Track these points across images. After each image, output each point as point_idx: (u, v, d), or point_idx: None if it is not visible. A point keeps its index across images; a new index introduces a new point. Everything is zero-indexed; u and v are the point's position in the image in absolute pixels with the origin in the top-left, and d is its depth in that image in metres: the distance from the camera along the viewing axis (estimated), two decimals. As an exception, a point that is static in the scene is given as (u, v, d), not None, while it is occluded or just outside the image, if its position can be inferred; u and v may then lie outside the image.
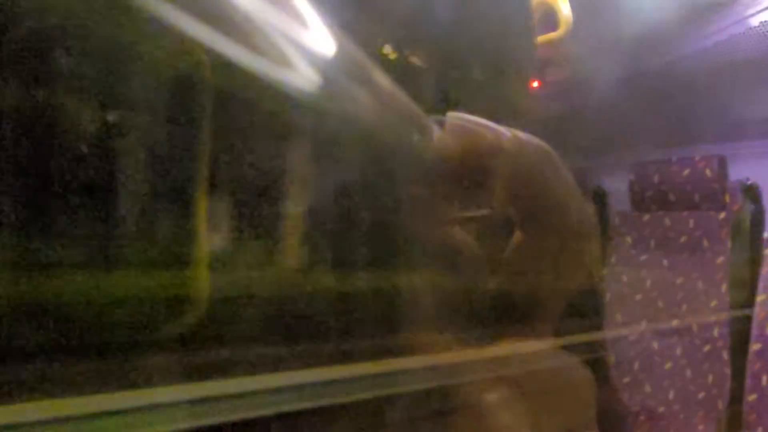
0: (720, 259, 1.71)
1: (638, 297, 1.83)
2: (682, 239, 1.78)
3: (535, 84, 1.97)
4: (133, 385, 0.19)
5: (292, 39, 0.23)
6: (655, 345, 1.78)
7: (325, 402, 0.22)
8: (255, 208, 0.22)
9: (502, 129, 0.26)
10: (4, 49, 0.18)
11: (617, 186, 1.96)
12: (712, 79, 1.85)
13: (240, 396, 0.20)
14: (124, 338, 0.20)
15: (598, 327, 1.71)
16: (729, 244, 1.71)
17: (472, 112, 0.27)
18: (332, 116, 0.24)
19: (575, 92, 1.92)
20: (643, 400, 1.72)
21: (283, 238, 0.23)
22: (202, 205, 0.20)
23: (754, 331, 1.62)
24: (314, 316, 0.24)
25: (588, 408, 0.26)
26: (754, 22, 1.64)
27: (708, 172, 1.72)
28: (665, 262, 1.80)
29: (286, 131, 0.24)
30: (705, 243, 1.73)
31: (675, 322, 1.75)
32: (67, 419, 0.17)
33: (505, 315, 0.26)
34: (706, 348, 1.68)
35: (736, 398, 1.61)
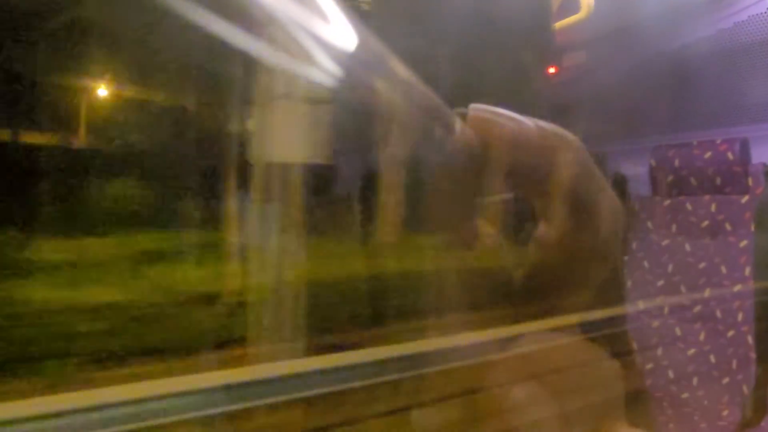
0: (743, 243, 1.69)
1: (660, 282, 1.81)
2: (704, 223, 1.76)
3: (554, 69, 1.96)
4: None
5: (316, 34, 0.24)
6: (678, 330, 1.76)
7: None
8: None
9: (525, 120, 0.26)
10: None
11: (637, 170, 1.94)
12: (733, 61, 1.83)
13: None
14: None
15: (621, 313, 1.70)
16: (752, 227, 1.69)
17: (492, 100, 0.27)
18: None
19: (595, 76, 1.90)
20: (666, 386, 1.71)
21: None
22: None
23: (779, 315, 1.60)
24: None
25: (616, 399, 0.26)
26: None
27: (730, 155, 1.70)
28: (687, 246, 1.79)
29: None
30: (727, 227, 1.72)
31: (698, 308, 1.74)
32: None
33: (531, 305, 0.26)
34: (730, 333, 1.66)
35: (761, 383, 1.59)
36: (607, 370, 0.26)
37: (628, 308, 1.79)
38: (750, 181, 1.70)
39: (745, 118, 1.92)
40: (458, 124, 0.26)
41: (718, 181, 1.73)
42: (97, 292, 1.09)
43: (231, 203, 1.13)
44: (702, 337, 1.72)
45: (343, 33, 0.25)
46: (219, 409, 0.23)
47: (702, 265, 1.75)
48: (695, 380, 1.69)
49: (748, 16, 1.71)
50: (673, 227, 1.82)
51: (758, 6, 1.74)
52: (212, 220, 1.17)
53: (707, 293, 1.72)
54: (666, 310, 1.79)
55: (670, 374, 1.72)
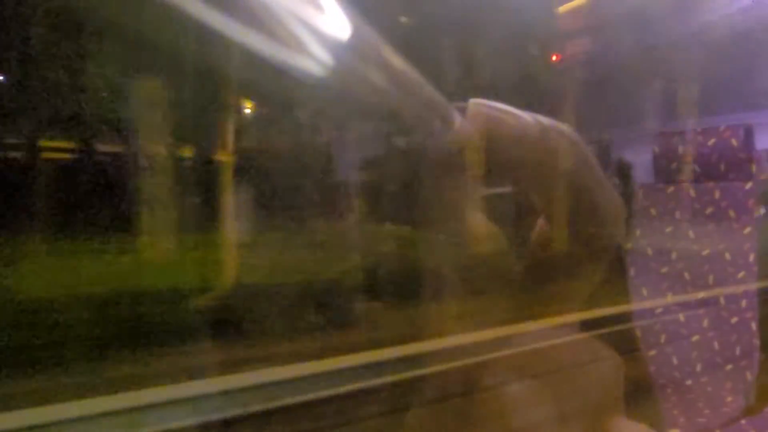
0: (747, 230, 1.69)
1: (664, 270, 1.81)
2: (708, 210, 1.75)
3: (557, 57, 1.95)
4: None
5: (312, 25, 0.24)
6: (682, 317, 1.76)
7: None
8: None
9: (525, 115, 0.26)
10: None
11: (641, 158, 1.94)
12: (738, 47, 1.82)
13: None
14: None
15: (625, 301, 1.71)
16: (756, 214, 1.69)
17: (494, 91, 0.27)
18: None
19: (598, 63, 1.89)
20: (670, 373, 1.71)
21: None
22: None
23: (783, 302, 1.60)
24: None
25: (615, 390, 0.27)
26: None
27: (734, 141, 1.69)
28: (691, 233, 1.78)
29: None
30: (731, 213, 1.71)
31: (702, 294, 1.74)
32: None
33: (530, 298, 0.26)
34: (734, 319, 1.66)
35: (765, 369, 1.59)
36: (607, 366, 0.27)
37: (632, 296, 1.79)
38: (754, 168, 1.70)
39: (751, 105, 1.92)
40: (457, 118, 0.26)
41: (722, 167, 1.72)
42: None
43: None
44: (706, 323, 1.72)
45: (338, 22, 0.25)
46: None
47: (706, 251, 1.75)
48: (699, 367, 1.69)
49: (753, 1, 1.70)
50: (677, 214, 1.82)
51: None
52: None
53: (711, 280, 1.72)
54: (670, 297, 1.79)
55: (674, 361, 1.73)
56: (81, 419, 0.84)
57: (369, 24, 0.26)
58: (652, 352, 1.75)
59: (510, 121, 0.26)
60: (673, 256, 1.80)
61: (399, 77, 0.26)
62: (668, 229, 1.83)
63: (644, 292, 1.81)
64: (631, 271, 1.83)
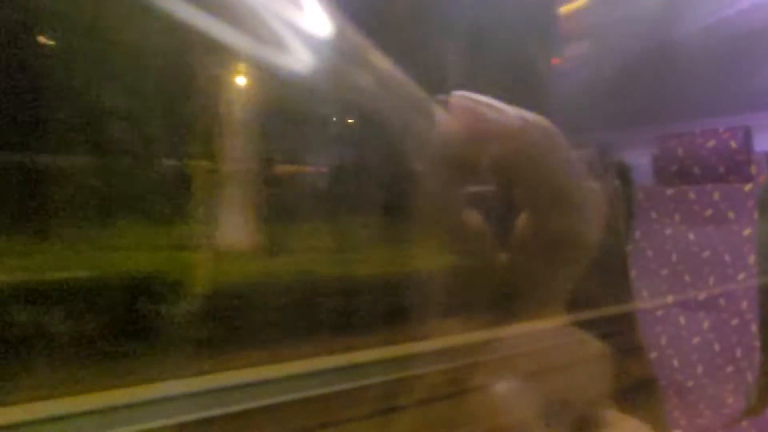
0: (747, 232, 1.69)
1: (664, 272, 1.81)
2: (708, 212, 1.76)
3: (557, 59, 1.95)
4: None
5: (292, 24, 0.24)
6: (682, 320, 1.77)
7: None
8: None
9: (508, 108, 0.26)
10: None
11: (641, 160, 1.94)
12: (736, 49, 1.82)
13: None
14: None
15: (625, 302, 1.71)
16: (756, 215, 1.69)
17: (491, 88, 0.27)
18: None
19: (597, 65, 1.90)
20: (670, 375, 1.72)
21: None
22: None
23: (784, 303, 1.60)
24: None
25: (601, 382, 0.27)
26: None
27: (733, 143, 1.69)
28: (691, 236, 1.79)
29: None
30: (731, 215, 1.71)
31: (702, 296, 1.74)
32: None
33: (513, 294, 0.26)
34: (734, 321, 1.67)
35: (766, 371, 1.60)
36: (593, 357, 0.27)
37: (632, 298, 1.79)
38: (753, 170, 1.70)
39: (748, 107, 1.92)
40: (439, 113, 0.26)
41: (721, 169, 1.72)
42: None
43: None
44: (706, 325, 1.72)
45: (319, 20, 0.25)
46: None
47: (706, 254, 1.75)
48: (700, 368, 1.69)
49: (751, 4, 1.70)
50: (677, 216, 1.82)
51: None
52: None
53: (711, 282, 1.72)
54: (670, 299, 1.80)
55: (675, 363, 1.73)
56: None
57: (358, 20, 0.26)
58: (654, 354, 1.75)
59: (493, 114, 0.26)
60: (674, 258, 1.80)
61: (374, 70, 0.26)
62: (668, 231, 1.83)
63: (644, 294, 1.81)
64: (632, 274, 1.83)
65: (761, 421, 1.53)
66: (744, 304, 1.67)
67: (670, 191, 1.83)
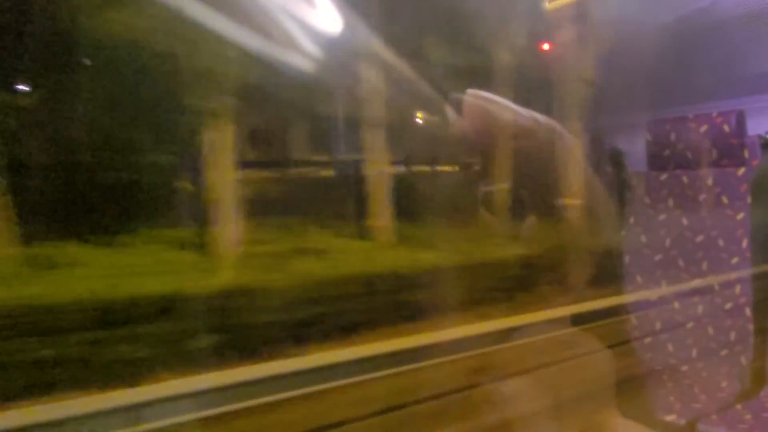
0: (740, 215, 1.69)
1: (658, 257, 1.82)
2: (701, 197, 1.76)
3: (548, 45, 1.94)
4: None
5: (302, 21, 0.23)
6: (677, 304, 1.77)
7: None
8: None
9: (519, 109, 0.25)
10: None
11: (634, 146, 1.94)
12: (729, 33, 1.82)
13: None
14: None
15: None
16: (749, 199, 1.69)
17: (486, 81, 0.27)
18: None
19: (590, 52, 1.89)
20: (665, 359, 1.72)
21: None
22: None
23: (777, 286, 1.61)
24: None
25: (605, 383, 0.26)
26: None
27: (726, 127, 1.69)
28: (684, 220, 1.79)
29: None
30: (724, 200, 1.71)
31: (696, 281, 1.74)
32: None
33: (520, 289, 0.26)
34: (728, 305, 1.67)
35: (760, 353, 1.60)
36: (595, 358, 0.26)
37: (627, 283, 1.79)
38: (746, 154, 1.70)
39: (742, 91, 1.92)
40: (452, 112, 0.26)
41: (715, 154, 1.72)
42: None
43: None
44: (700, 310, 1.73)
45: (330, 18, 0.24)
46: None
47: (699, 238, 1.75)
48: (694, 353, 1.70)
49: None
50: (670, 201, 1.82)
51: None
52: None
53: (705, 266, 1.72)
54: (664, 284, 1.80)
55: (669, 347, 1.73)
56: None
57: (361, 19, 0.25)
58: (648, 339, 1.75)
59: (504, 114, 0.25)
60: (667, 242, 1.80)
61: (392, 73, 0.25)
62: (662, 216, 1.83)
63: (638, 279, 1.81)
64: (625, 259, 1.83)
65: (755, 403, 1.53)
66: (738, 288, 1.67)
67: (663, 176, 1.83)
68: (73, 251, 3.63)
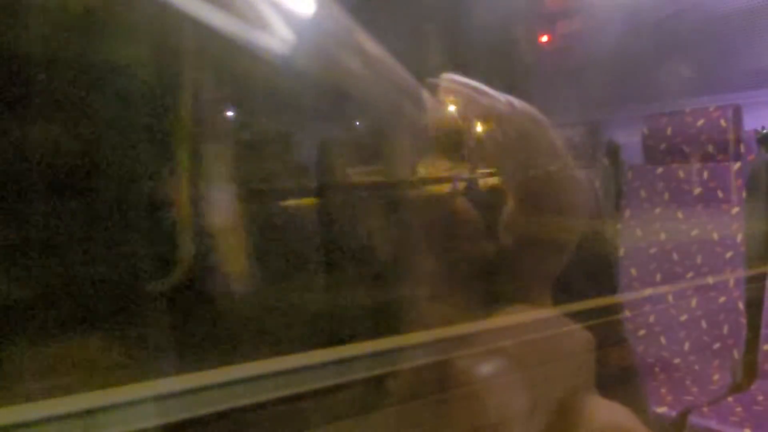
0: (735, 210, 1.70)
1: (653, 250, 1.82)
2: (697, 191, 1.76)
3: (547, 37, 1.94)
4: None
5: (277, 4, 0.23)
6: (671, 297, 1.78)
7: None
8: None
9: (496, 93, 0.25)
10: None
11: (630, 139, 1.94)
12: (727, 27, 1.81)
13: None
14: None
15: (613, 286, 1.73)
16: (744, 194, 1.70)
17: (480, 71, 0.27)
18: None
19: (586, 44, 1.88)
20: (658, 352, 1.73)
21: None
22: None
23: (770, 281, 1.62)
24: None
25: (586, 370, 0.26)
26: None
27: (722, 122, 1.69)
28: (680, 214, 1.79)
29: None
30: (720, 194, 1.72)
31: (690, 274, 1.75)
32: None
33: (502, 280, 0.26)
34: (722, 299, 1.68)
35: (752, 347, 1.61)
36: (578, 346, 0.26)
37: (622, 276, 1.80)
38: (742, 148, 1.71)
39: (739, 85, 1.92)
40: (428, 97, 0.26)
41: (711, 148, 1.73)
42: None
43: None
44: (694, 303, 1.74)
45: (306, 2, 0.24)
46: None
47: (694, 232, 1.76)
48: (687, 345, 1.71)
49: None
50: (666, 195, 1.83)
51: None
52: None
53: (699, 260, 1.73)
54: (658, 277, 1.81)
55: (662, 340, 1.74)
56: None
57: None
58: (642, 332, 1.76)
59: (481, 98, 0.25)
60: (662, 236, 1.81)
61: (368, 57, 0.25)
62: (657, 210, 1.84)
63: (633, 272, 1.82)
64: (620, 252, 1.84)
65: (747, 396, 1.55)
66: (731, 282, 1.68)
67: (659, 170, 1.83)
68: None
